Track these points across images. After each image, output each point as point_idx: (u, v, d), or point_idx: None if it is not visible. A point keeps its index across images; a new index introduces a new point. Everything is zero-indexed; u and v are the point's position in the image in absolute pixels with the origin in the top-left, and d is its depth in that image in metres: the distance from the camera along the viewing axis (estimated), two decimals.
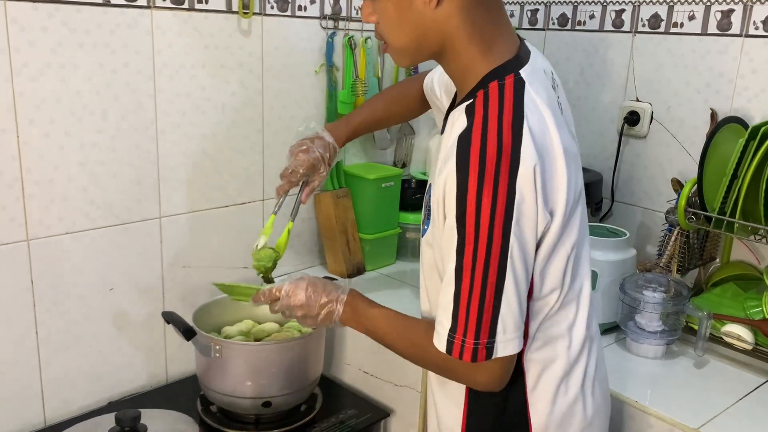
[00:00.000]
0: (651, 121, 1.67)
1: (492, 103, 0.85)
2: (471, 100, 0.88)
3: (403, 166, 1.93)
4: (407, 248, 1.87)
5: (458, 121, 0.88)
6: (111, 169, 1.37)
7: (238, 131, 1.56)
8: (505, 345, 0.85)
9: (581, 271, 0.97)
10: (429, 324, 0.92)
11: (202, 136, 1.50)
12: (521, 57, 0.91)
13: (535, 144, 0.83)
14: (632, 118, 1.69)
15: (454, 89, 1.05)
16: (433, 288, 0.98)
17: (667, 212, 1.50)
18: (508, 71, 0.89)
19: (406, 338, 0.97)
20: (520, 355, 0.91)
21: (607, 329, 1.45)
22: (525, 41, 0.97)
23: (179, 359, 1.55)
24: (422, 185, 1.91)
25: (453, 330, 0.85)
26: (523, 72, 0.89)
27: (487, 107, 0.85)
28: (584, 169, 1.75)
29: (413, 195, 1.86)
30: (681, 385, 1.27)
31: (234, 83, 1.52)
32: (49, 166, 1.29)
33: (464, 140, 0.83)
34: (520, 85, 0.87)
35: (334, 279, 1.48)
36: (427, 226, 0.97)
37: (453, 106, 1.01)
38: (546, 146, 0.85)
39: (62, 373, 1.38)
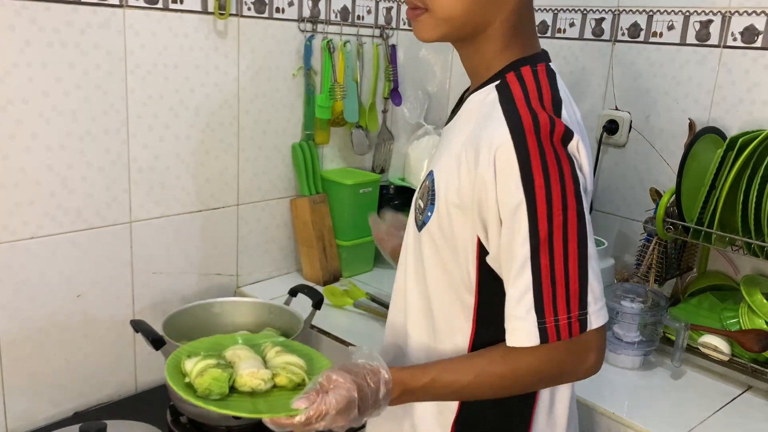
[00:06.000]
0: (630, 130, 1.67)
1: (529, 83, 0.81)
2: (500, 81, 0.83)
3: (382, 171, 1.91)
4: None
5: (489, 97, 0.83)
6: (80, 173, 1.33)
7: (213, 134, 1.53)
8: (597, 315, 0.79)
9: None
10: (500, 347, 0.82)
11: (175, 139, 1.46)
12: (546, 52, 0.89)
13: (573, 124, 0.81)
14: (611, 127, 1.69)
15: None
16: (437, 286, 0.89)
17: (646, 222, 1.50)
18: (539, 60, 0.85)
19: (489, 376, 0.83)
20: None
21: None
22: None
23: (149, 368, 1.51)
24: (401, 191, 1.89)
25: (541, 317, 0.77)
26: (551, 65, 0.87)
27: (524, 84, 0.81)
28: None
29: (391, 201, 1.84)
30: (658, 396, 1.27)
31: (209, 86, 1.49)
32: (14, 168, 1.24)
33: (510, 107, 0.79)
34: (552, 73, 0.85)
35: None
36: (431, 213, 0.86)
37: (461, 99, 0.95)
38: (580, 133, 0.82)
39: (25, 381, 1.34)
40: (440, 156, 0.89)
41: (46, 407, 1.38)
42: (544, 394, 0.91)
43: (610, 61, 1.69)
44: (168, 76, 1.42)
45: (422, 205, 0.89)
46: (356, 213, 1.74)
